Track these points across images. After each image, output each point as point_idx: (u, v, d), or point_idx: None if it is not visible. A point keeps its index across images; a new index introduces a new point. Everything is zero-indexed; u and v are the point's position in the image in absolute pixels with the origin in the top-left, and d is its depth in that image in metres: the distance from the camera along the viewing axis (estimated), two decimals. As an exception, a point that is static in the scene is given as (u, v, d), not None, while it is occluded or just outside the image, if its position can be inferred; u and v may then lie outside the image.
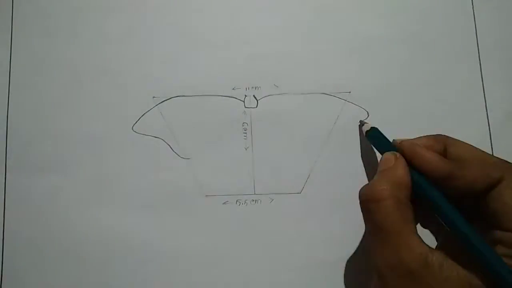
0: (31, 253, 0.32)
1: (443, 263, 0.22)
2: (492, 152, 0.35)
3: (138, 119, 0.34)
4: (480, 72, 0.36)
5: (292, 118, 0.34)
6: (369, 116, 0.35)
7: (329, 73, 0.35)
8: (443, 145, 0.27)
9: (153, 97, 0.34)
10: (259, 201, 0.33)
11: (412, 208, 0.24)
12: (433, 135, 0.28)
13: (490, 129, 0.35)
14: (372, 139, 0.31)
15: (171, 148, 0.34)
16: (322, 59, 0.35)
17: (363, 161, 0.33)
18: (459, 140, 0.27)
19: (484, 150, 0.27)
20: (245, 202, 0.33)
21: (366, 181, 0.33)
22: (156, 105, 0.34)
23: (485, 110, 0.35)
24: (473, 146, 0.27)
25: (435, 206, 0.25)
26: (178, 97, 0.35)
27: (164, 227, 0.33)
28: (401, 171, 0.25)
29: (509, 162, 0.26)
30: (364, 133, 0.32)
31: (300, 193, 0.33)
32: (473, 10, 0.37)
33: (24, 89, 0.35)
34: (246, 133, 0.34)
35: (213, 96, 0.35)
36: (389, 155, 0.27)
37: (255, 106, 0.35)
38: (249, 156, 0.34)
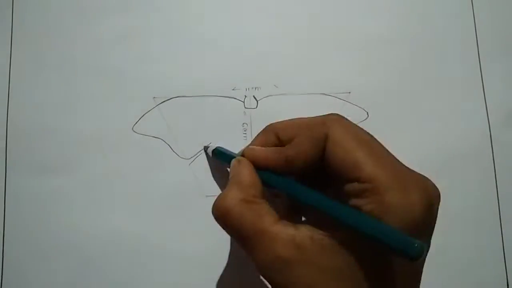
0: (31, 253, 0.32)
1: (312, 236, 0.22)
2: (493, 153, 0.35)
3: (139, 120, 0.34)
4: (480, 72, 0.36)
5: (292, 119, 0.34)
6: (369, 116, 0.35)
7: (329, 73, 0.35)
8: (273, 134, 0.27)
9: (154, 97, 0.34)
10: (259, 201, 0.33)
11: (265, 201, 0.24)
12: (263, 130, 0.28)
13: (491, 129, 0.35)
14: (219, 157, 0.31)
15: (171, 148, 0.34)
16: (322, 60, 0.35)
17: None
18: (283, 121, 0.27)
19: (308, 116, 0.26)
20: (245, 202, 0.33)
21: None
22: (157, 105, 0.34)
23: (485, 110, 0.35)
24: (296, 118, 0.27)
25: (285, 191, 0.25)
26: (178, 97, 0.35)
27: (164, 227, 0.33)
28: (244, 171, 0.25)
29: (327, 115, 0.25)
30: (211, 154, 0.32)
31: (300, 193, 0.33)
32: (473, 10, 0.37)
33: (24, 89, 0.35)
34: (246, 133, 0.34)
35: (213, 97, 0.35)
36: (233, 161, 0.27)
37: (255, 106, 0.35)
38: (249, 156, 0.34)
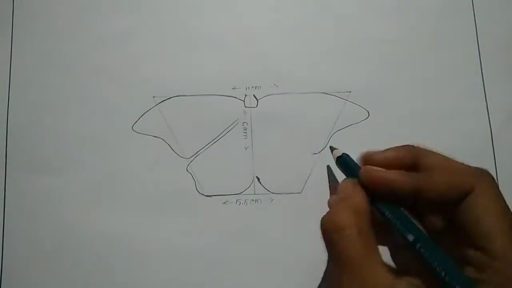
0: (31, 252, 0.32)
1: None
2: (494, 153, 0.34)
3: (138, 119, 0.34)
4: (480, 72, 0.36)
5: (292, 118, 0.34)
6: (370, 115, 0.35)
7: (330, 72, 0.35)
8: (413, 157, 0.26)
9: (153, 96, 0.34)
10: (259, 201, 0.33)
11: (374, 236, 0.23)
12: (403, 146, 0.27)
13: (491, 129, 0.35)
14: (341, 165, 0.30)
15: (171, 148, 0.34)
16: (323, 59, 0.35)
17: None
18: (430, 151, 0.26)
19: (456, 160, 0.25)
20: (245, 202, 0.33)
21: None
22: (156, 104, 0.34)
23: (486, 110, 0.35)
24: (445, 156, 0.25)
25: (396, 228, 0.24)
26: (178, 97, 0.35)
27: (164, 227, 0.33)
28: (359, 198, 0.24)
29: (481, 170, 0.24)
30: (335, 159, 0.31)
31: (300, 193, 0.33)
32: (473, 10, 0.37)
33: (24, 89, 0.35)
34: (246, 132, 0.34)
35: (213, 96, 0.35)
36: (347, 182, 0.26)
37: (255, 105, 0.35)
38: (249, 155, 0.34)
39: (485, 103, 0.35)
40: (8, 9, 0.35)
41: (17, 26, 0.35)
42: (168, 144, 0.34)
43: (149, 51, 0.35)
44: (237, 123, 0.34)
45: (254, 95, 0.35)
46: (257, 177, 0.33)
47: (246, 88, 0.35)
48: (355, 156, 0.28)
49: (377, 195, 0.25)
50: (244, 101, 0.35)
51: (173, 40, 0.35)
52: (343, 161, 0.30)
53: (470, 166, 0.24)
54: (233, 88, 0.35)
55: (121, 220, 0.33)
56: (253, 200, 0.33)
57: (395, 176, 0.24)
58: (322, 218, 0.24)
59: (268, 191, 0.33)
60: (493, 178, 0.24)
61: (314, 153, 0.34)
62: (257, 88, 0.35)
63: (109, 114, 0.34)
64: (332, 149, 0.32)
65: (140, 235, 0.33)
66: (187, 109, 0.34)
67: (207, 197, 0.33)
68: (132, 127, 0.34)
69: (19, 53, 0.35)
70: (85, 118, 0.34)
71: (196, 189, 0.33)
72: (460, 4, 0.37)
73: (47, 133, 0.34)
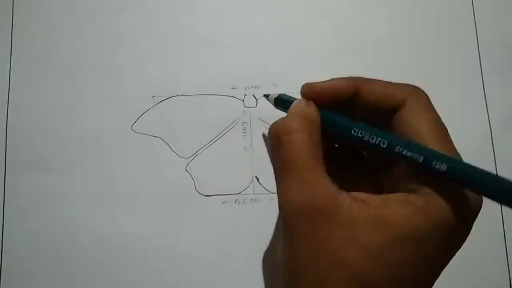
0: (31, 252, 0.32)
1: (352, 204, 0.20)
2: (494, 153, 0.34)
3: (138, 119, 0.34)
4: (480, 72, 0.36)
5: (292, 118, 0.34)
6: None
7: (329, 72, 0.35)
8: (355, 86, 0.24)
9: (153, 96, 0.34)
10: (258, 201, 0.33)
11: (322, 151, 0.22)
12: (345, 77, 0.25)
13: (491, 130, 0.35)
14: (281, 105, 0.28)
15: (170, 148, 0.34)
16: (322, 59, 0.35)
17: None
18: (373, 79, 0.25)
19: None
20: (244, 202, 0.33)
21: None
22: (156, 104, 0.34)
23: (485, 110, 0.35)
24: (386, 81, 0.25)
25: (366, 136, 0.22)
26: (177, 97, 0.35)
27: (164, 227, 0.33)
28: (312, 110, 0.23)
29: (414, 86, 0.24)
30: (273, 102, 0.29)
31: (300, 193, 0.33)
32: (473, 10, 0.37)
33: (24, 89, 0.35)
34: (245, 132, 0.34)
35: (212, 96, 0.35)
36: (298, 100, 0.24)
37: (255, 105, 0.35)
38: (248, 155, 0.34)
39: (485, 103, 0.35)
40: (8, 9, 0.36)
41: (17, 26, 0.35)
42: (168, 144, 0.34)
43: (148, 51, 0.35)
44: (237, 123, 0.34)
45: (253, 95, 0.35)
46: (256, 177, 0.33)
47: (246, 87, 0.35)
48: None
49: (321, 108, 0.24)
50: (243, 100, 0.35)
51: (172, 40, 0.35)
52: (282, 99, 0.28)
53: (406, 84, 0.24)
54: (233, 88, 0.35)
55: (121, 220, 0.33)
56: (252, 200, 0.33)
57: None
58: (271, 124, 0.23)
59: (268, 191, 0.33)
60: (426, 95, 0.24)
61: (314, 153, 0.34)
62: (256, 88, 0.35)
63: (109, 114, 0.34)
64: (266, 96, 0.30)
65: (139, 234, 0.33)
66: (187, 109, 0.34)
67: (206, 197, 0.33)
68: (132, 127, 0.34)
69: (19, 53, 0.35)
70: (85, 118, 0.34)
71: (195, 189, 0.33)
72: (460, 4, 0.37)
73: (47, 133, 0.34)
